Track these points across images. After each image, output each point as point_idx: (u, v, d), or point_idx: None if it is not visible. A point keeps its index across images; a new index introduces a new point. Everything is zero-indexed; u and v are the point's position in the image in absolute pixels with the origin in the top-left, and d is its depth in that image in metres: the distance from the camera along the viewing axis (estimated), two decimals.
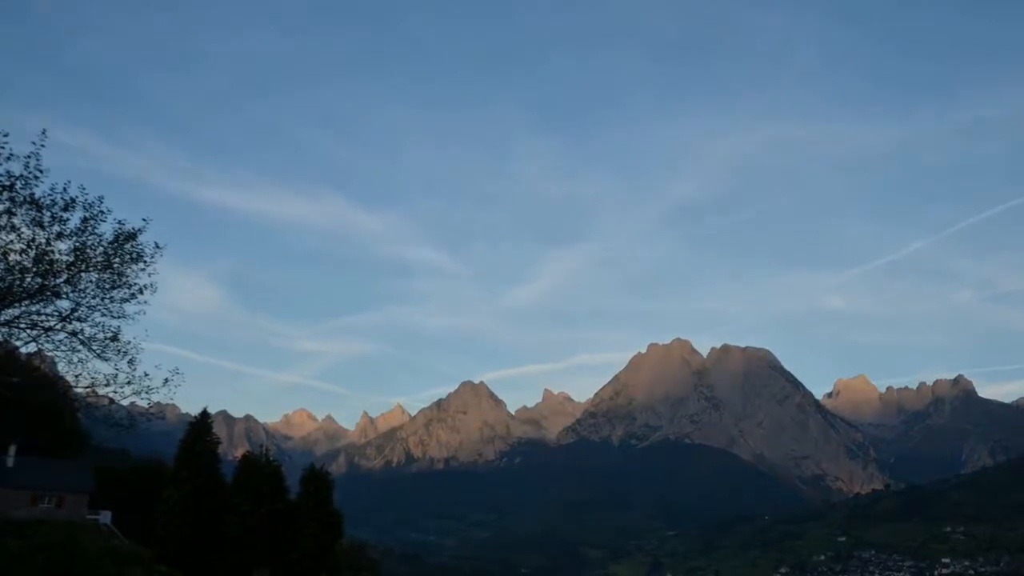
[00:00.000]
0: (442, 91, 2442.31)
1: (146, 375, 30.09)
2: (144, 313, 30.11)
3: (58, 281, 27.57)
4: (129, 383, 29.82)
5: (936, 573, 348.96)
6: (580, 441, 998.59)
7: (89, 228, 26.99)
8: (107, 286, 28.60)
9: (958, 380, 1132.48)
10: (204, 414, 66.79)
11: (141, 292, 29.31)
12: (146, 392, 30.26)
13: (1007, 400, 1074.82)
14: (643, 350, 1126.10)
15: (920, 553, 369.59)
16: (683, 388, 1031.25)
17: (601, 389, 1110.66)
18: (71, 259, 27.27)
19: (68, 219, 26.44)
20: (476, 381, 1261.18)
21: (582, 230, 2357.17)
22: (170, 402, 36.05)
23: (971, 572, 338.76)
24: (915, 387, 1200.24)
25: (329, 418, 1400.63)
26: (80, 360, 29.26)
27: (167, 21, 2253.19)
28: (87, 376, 29.56)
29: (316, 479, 66.15)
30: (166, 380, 30.84)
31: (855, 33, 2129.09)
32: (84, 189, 26.75)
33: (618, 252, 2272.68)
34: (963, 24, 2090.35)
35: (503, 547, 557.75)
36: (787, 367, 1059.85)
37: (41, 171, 25.53)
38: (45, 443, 71.31)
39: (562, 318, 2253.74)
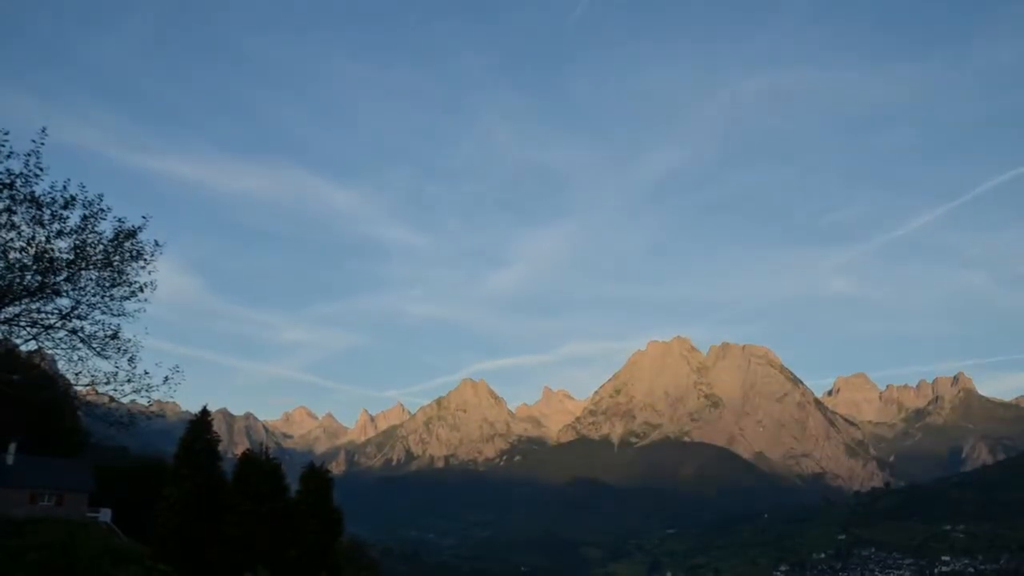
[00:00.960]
0: (397, 44, 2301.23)
1: (146, 373, 30.11)
2: (144, 311, 30.15)
3: (58, 279, 27.59)
4: (129, 381, 29.84)
5: (936, 571, 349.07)
6: (580, 439, 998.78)
7: (89, 226, 27.03)
8: (107, 284, 28.63)
9: (958, 378, 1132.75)
10: (204, 412, 66.72)
11: (141, 290, 29.36)
12: (146, 390, 30.28)
13: (1007, 398, 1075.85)
14: (643, 348, 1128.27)
15: (920, 551, 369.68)
16: (683, 386, 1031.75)
17: (601, 387, 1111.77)
18: (71, 257, 27.29)
19: (68, 217, 26.47)
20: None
21: (559, 206, 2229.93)
22: (170, 400, 36.07)
23: (971, 570, 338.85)
24: (915, 385, 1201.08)
25: (329, 416, 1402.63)
26: (80, 358, 29.30)
27: None
28: (87, 374, 29.59)
29: (316, 477, 66.10)
30: (166, 378, 30.86)
31: None
32: (84, 187, 26.80)
33: (599, 231, 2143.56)
34: None
35: (503, 546, 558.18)
36: (787, 365, 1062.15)
37: (41, 169, 25.56)
38: (45, 441, 71.31)
39: (547, 305, 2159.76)
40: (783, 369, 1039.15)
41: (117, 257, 28.15)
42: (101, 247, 27.69)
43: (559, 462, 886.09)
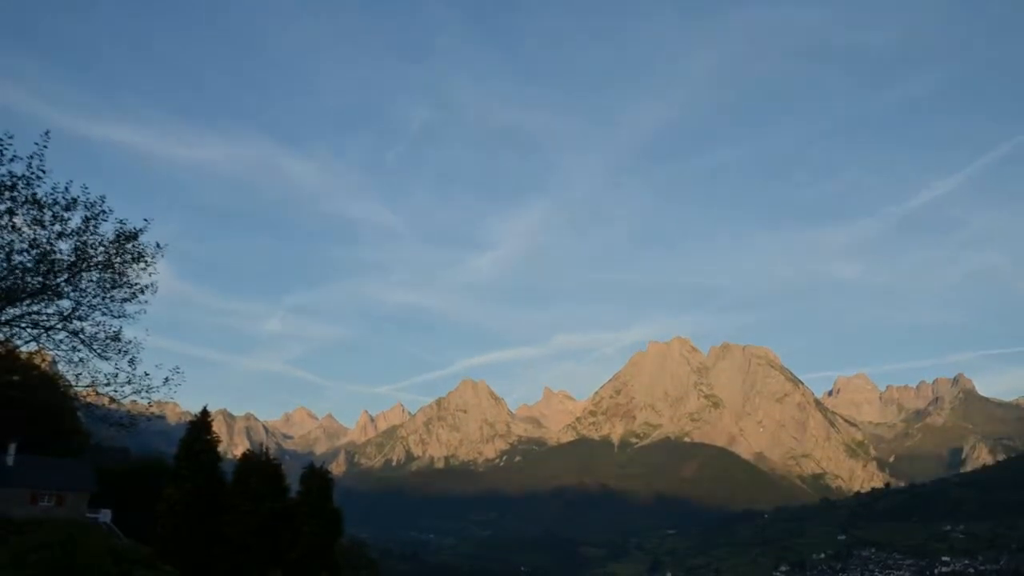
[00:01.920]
0: None
1: (147, 375, 30.23)
2: (145, 312, 30.27)
3: (59, 280, 27.69)
4: (129, 382, 29.96)
5: (936, 571, 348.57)
6: (580, 440, 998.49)
7: (90, 228, 27.11)
8: (108, 286, 28.74)
9: (958, 379, 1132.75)
10: (204, 413, 66.80)
11: (142, 292, 29.48)
12: (146, 391, 30.40)
13: (1007, 398, 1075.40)
14: (643, 348, 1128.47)
15: (920, 551, 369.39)
16: (683, 386, 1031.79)
17: (601, 387, 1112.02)
18: (72, 259, 27.39)
19: (69, 219, 26.56)
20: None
21: (536, 176, 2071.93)
22: (170, 401, 36.18)
23: (971, 570, 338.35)
24: (915, 385, 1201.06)
25: (329, 417, 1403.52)
26: (81, 359, 29.43)
27: None
28: (87, 375, 29.72)
29: (316, 478, 66.16)
30: (166, 379, 30.99)
31: None
32: (86, 188, 26.89)
33: (581, 207, 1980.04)
34: None
35: (503, 546, 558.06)
36: (787, 363, 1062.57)
37: (44, 172, 25.65)
38: (45, 442, 71.32)
39: (533, 293, 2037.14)
40: (783, 369, 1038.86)
41: (118, 259, 28.26)
42: (102, 249, 27.80)
43: (559, 462, 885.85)
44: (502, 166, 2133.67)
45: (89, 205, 26.77)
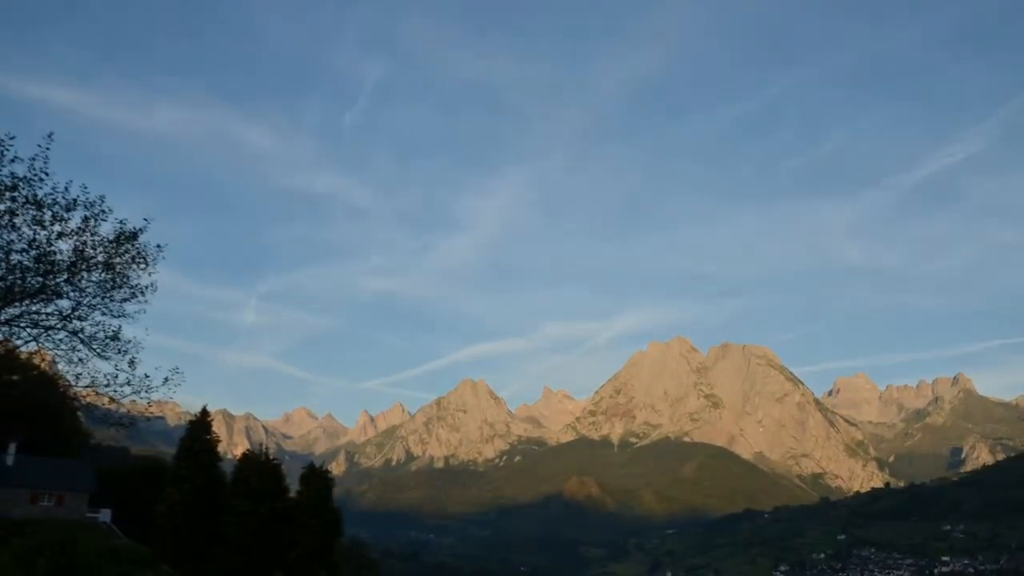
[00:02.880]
0: None
1: (147, 376, 30.23)
2: (144, 312, 30.28)
3: (59, 280, 27.68)
4: (129, 383, 29.95)
5: (936, 571, 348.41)
6: (580, 439, 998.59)
7: (90, 228, 27.10)
8: (107, 286, 28.73)
9: (958, 379, 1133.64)
10: (204, 413, 66.81)
11: (142, 292, 29.48)
12: (146, 391, 30.39)
13: (1007, 398, 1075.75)
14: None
15: (920, 551, 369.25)
16: (683, 386, 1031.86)
17: (601, 387, 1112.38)
18: (72, 259, 27.39)
19: (69, 219, 26.56)
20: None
21: (509, 143, 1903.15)
22: (170, 401, 36.22)
23: (971, 570, 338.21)
24: (915, 385, 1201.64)
25: (329, 416, 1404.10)
26: (80, 359, 29.42)
27: None
28: (87, 375, 29.71)
29: (316, 478, 66.15)
30: (166, 379, 30.97)
31: None
32: (86, 188, 26.88)
33: (558, 180, 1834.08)
34: None
35: (503, 546, 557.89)
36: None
37: (47, 173, 25.65)
38: (45, 442, 71.32)
39: (513, 279, 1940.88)
40: (783, 369, 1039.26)
41: (118, 259, 28.26)
42: (102, 249, 27.80)
43: (559, 462, 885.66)
44: (468, 129, 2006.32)
45: (89, 205, 26.78)
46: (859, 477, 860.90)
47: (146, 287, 29.49)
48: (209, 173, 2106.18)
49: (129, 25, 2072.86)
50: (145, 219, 28.92)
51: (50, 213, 26.05)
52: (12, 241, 26.08)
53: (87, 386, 30.07)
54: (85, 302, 28.72)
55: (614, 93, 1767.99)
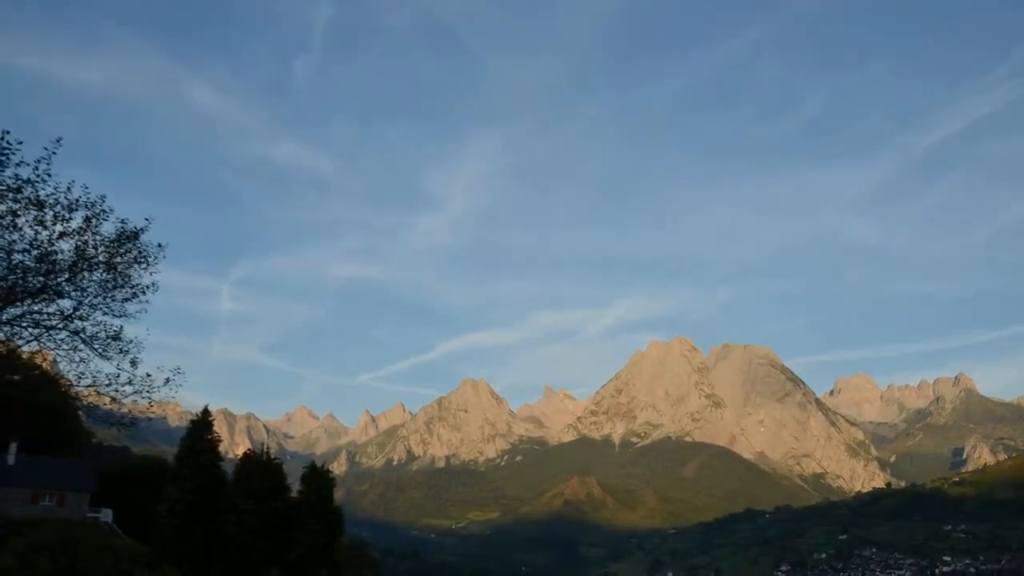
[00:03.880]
0: None
1: (148, 376, 30.23)
2: (146, 312, 30.28)
3: (60, 280, 27.68)
4: (130, 383, 29.94)
5: (937, 571, 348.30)
6: (581, 439, 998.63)
7: (91, 227, 27.11)
8: (109, 285, 28.73)
9: (959, 378, 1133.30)
10: (205, 412, 66.79)
11: (143, 292, 29.49)
12: (147, 391, 30.39)
13: (1008, 398, 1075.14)
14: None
15: (921, 551, 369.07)
16: (684, 386, 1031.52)
17: (602, 387, 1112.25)
18: (73, 258, 27.40)
19: (71, 219, 26.56)
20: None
21: (473, 97, 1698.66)
22: (171, 400, 36.22)
23: (972, 570, 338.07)
24: (916, 385, 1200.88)
25: (330, 416, 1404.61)
26: (82, 359, 29.41)
27: None
28: (89, 375, 29.69)
29: (317, 477, 66.15)
30: (167, 379, 30.96)
31: None
32: (87, 188, 26.88)
33: (529, 147, 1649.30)
34: None
35: (503, 546, 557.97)
36: (788, 364, 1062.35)
37: (50, 175, 25.67)
38: (46, 441, 71.39)
39: (496, 265, 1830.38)
40: (784, 369, 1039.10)
41: (119, 259, 28.27)
42: (103, 248, 27.80)
43: (560, 462, 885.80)
44: (428, 83, 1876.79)
45: (90, 205, 26.79)
46: (860, 477, 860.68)
47: (147, 287, 29.53)
48: (156, 140, 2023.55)
49: None
50: (146, 219, 28.99)
51: (52, 213, 26.07)
52: (14, 241, 26.10)
53: (89, 386, 30.07)
54: (86, 302, 28.74)
55: (583, 38, 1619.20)
